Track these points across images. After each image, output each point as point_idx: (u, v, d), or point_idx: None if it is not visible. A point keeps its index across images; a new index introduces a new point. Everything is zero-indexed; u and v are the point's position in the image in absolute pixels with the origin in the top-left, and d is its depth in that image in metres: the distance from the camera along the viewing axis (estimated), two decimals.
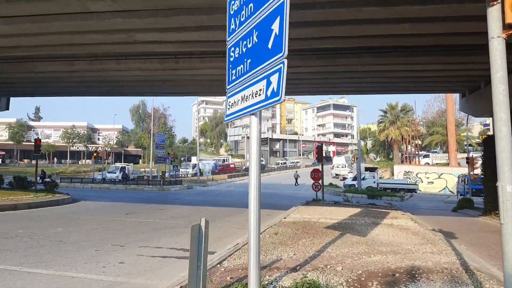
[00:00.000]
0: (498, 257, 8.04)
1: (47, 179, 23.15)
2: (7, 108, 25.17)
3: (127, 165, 46.46)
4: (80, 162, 68.20)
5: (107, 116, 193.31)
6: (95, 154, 40.41)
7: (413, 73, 16.18)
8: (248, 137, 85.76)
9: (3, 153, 64.41)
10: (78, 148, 66.60)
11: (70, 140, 64.56)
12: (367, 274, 5.65)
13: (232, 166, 57.60)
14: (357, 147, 37.71)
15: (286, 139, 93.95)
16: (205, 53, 14.89)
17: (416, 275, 5.70)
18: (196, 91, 22.25)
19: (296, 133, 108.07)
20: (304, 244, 7.98)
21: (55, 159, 56.93)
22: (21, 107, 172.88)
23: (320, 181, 22.71)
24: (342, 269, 5.90)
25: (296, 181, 42.59)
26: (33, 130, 72.05)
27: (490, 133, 31.79)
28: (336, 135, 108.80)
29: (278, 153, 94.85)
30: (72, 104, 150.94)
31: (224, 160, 65.77)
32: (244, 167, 67.53)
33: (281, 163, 64.41)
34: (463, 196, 26.53)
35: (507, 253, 3.51)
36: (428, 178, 40.29)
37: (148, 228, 11.65)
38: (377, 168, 45.06)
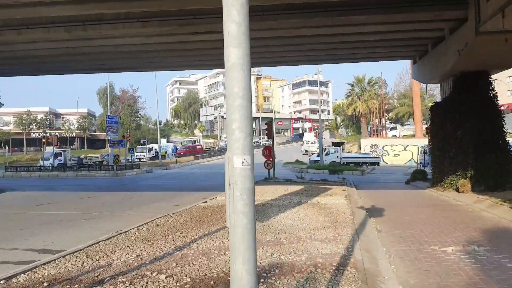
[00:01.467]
0: (410, 239, 6.85)
1: None
2: None
3: (63, 150, 43.15)
4: (43, 150, 65.11)
5: (76, 101, 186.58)
6: (43, 140, 37.92)
7: (351, 37, 14.72)
8: (221, 117, 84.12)
9: None
10: (37, 134, 63.28)
11: (26, 127, 61.13)
12: (193, 284, 4.30)
13: (198, 147, 55.50)
14: (319, 123, 36.52)
15: (259, 118, 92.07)
16: (118, 18, 13.00)
17: (266, 277, 4.40)
18: (114, 66, 20.02)
19: (272, 111, 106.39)
20: (172, 239, 6.61)
21: (15, 148, 54.10)
22: None
23: (271, 159, 21.40)
24: (166, 277, 4.53)
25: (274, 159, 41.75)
26: None
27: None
28: (312, 111, 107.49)
29: (254, 132, 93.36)
30: (34, 90, 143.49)
31: (195, 141, 63.80)
32: (216, 148, 65.95)
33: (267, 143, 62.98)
34: (425, 167, 25.79)
35: (236, 274, 2.18)
36: (394, 150, 39.59)
37: (39, 222, 10.10)
38: (344, 143, 44.32)
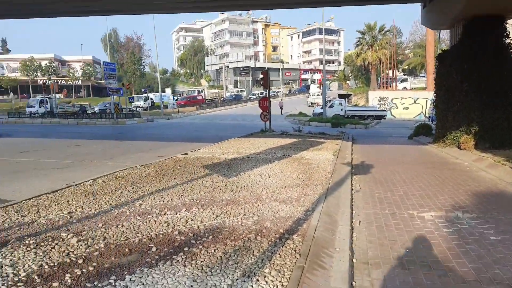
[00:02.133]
0: (388, 201, 6.09)
1: None
2: None
3: (49, 97, 41.62)
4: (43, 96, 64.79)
5: (81, 48, 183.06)
6: (43, 87, 37.18)
7: None
8: (226, 67, 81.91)
9: None
10: (43, 81, 62.54)
11: (31, 73, 60.25)
12: (104, 251, 3.63)
13: (199, 98, 53.80)
14: (323, 73, 34.87)
15: (266, 68, 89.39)
16: None
17: (194, 245, 3.70)
18: (98, 9, 18.32)
19: (282, 61, 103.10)
20: (119, 195, 5.94)
21: (24, 95, 53.61)
22: None
23: (267, 111, 20.52)
24: (78, 241, 3.86)
25: (281, 110, 41.15)
26: None
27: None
28: (323, 62, 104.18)
29: (261, 83, 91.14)
30: (40, 36, 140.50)
31: (199, 91, 62.50)
32: (221, 99, 64.79)
33: (258, 93, 61.23)
34: (433, 122, 24.59)
35: None
36: (403, 103, 38.02)
37: (12, 169, 9.62)
38: (350, 95, 42.73)
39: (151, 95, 50.27)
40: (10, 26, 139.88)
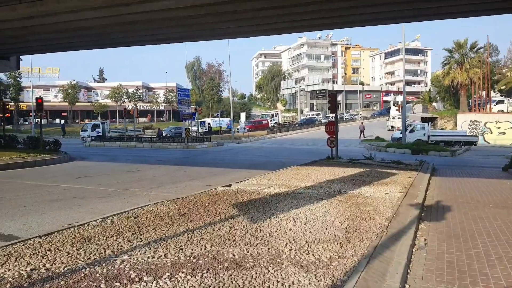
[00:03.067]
0: (460, 271, 4.30)
1: (51, 139, 22.51)
2: (18, 68, 24.79)
3: (102, 122, 43.20)
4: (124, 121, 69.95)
5: (165, 75, 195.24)
6: (124, 112, 39.76)
7: None
8: (302, 90, 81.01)
9: (65, 114, 67.80)
10: (129, 106, 67.64)
11: (119, 99, 65.52)
12: None
13: (264, 122, 52.70)
14: (403, 93, 31.89)
15: (342, 90, 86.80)
16: None
17: None
18: (165, 37, 18.65)
19: (362, 83, 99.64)
20: (109, 244, 4.94)
21: (113, 120, 58.44)
22: (86, 69, 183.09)
23: (334, 136, 18.75)
24: None
25: (362, 134, 39.20)
26: (93, 91, 74.80)
27: None
28: (407, 83, 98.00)
29: (340, 106, 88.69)
30: (130, 65, 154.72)
31: (272, 115, 62.35)
32: (295, 122, 63.92)
33: (331, 117, 59.18)
34: None
35: None
36: (499, 128, 33.21)
37: (53, 197, 9.43)
38: (436, 118, 38.72)
39: (208, 120, 50.39)
40: (102, 56, 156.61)
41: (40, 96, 23.09)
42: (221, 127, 46.56)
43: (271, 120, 61.06)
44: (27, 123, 63.72)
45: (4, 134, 23.38)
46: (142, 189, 10.81)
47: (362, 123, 44.59)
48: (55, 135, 41.90)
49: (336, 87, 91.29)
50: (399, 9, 14.31)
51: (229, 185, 10.20)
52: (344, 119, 66.70)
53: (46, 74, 72.14)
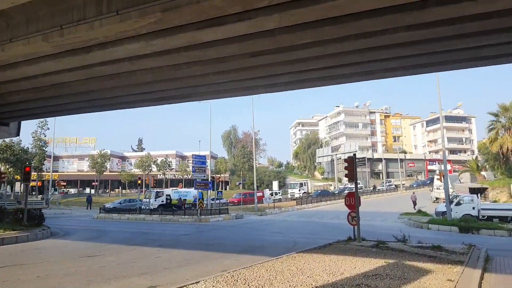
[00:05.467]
0: None
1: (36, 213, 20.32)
2: (18, 134, 24.10)
3: (160, 190, 40.54)
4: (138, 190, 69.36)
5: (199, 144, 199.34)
6: (138, 182, 38.20)
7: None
8: (339, 158, 77.72)
9: (95, 183, 68.25)
10: (159, 176, 67.11)
11: (145, 168, 65.31)
12: None
13: (259, 194, 41.81)
14: (443, 162, 27.88)
15: (383, 158, 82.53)
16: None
17: None
18: (170, 95, 17.32)
19: (404, 152, 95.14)
20: None
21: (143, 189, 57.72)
22: (126, 140, 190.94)
23: (355, 210, 15.21)
24: None
25: (415, 204, 35.73)
26: (127, 160, 75.74)
27: None
28: (452, 151, 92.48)
29: (381, 175, 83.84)
30: (169, 134, 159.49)
31: (301, 184, 59.17)
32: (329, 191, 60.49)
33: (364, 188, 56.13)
34: None
35: None
36: None
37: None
38: (486, 188, 33.75)
39: (168, 191, 42.27)
40: (139, 126, 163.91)
41: (28, 163, 21.86)
42: (184, 199, 38.70)
43: (299, 190, 57.74)
44: (57, 192, 64.46)
45: None
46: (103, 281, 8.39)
47: (413, 192, 40.44)
48: (80, 208, 40.93)
49: (376, 155, 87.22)
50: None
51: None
52: (385, 189, 62.68)
53: (83, 144, 74.48)
